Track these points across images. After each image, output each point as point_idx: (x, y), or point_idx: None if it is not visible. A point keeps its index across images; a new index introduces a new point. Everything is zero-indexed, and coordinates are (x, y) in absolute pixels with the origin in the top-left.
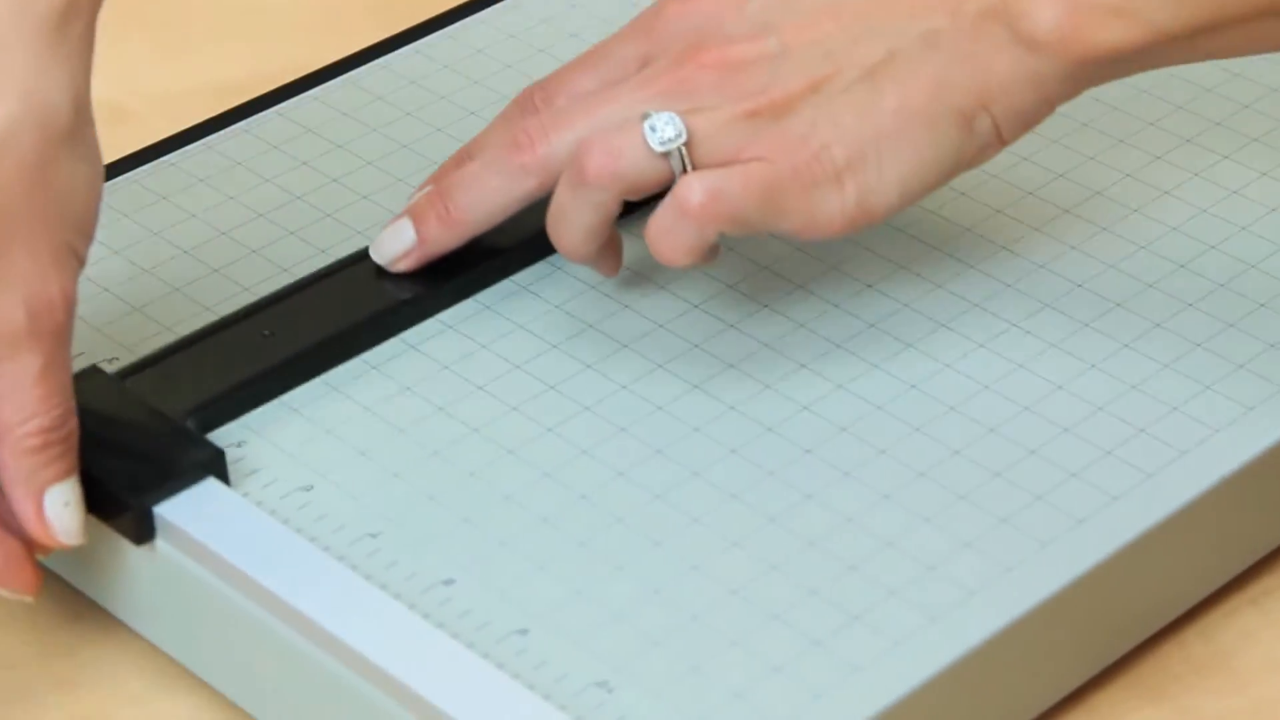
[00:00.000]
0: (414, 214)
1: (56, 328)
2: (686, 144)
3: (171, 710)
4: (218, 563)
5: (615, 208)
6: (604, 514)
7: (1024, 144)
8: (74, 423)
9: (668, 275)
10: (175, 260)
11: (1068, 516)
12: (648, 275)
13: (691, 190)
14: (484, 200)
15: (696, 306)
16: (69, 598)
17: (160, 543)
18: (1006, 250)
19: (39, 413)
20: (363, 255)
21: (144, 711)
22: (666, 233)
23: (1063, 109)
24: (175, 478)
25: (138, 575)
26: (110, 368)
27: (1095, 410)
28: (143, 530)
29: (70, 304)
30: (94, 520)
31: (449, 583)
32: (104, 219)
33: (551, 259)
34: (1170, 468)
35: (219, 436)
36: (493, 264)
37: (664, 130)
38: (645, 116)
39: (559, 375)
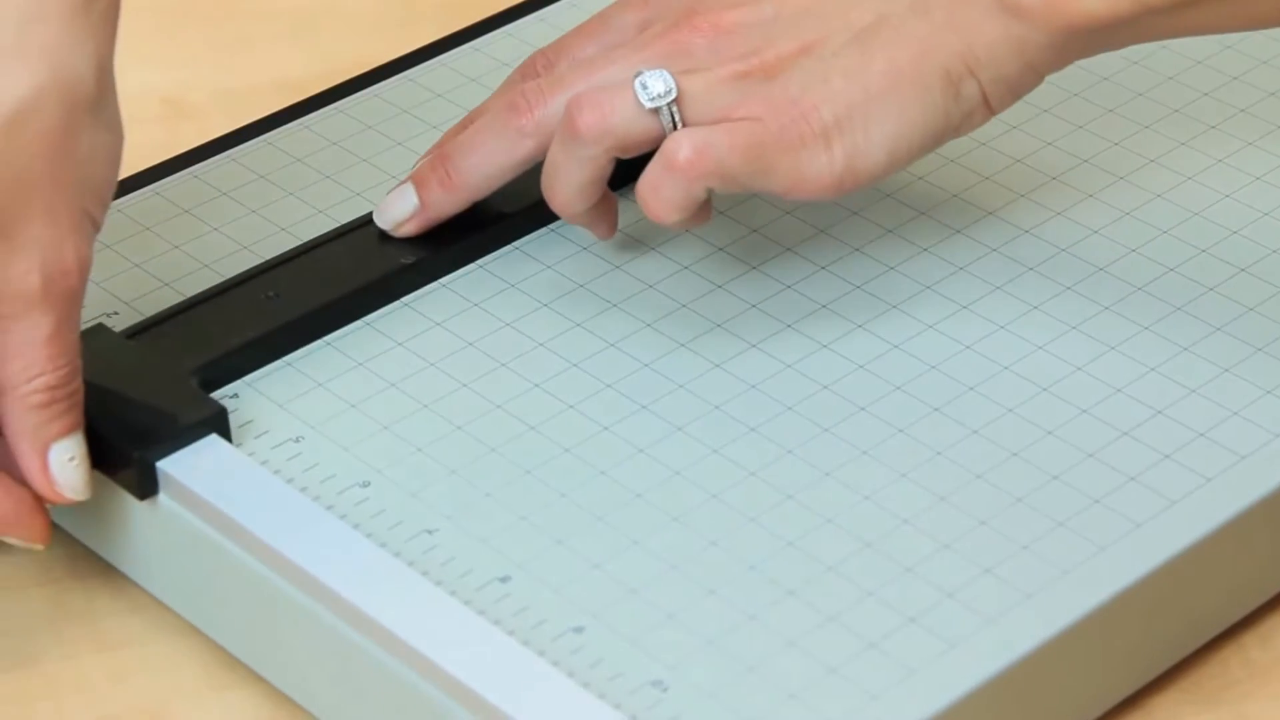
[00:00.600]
0: (416, 179)
1: (70, 291)
2: (676, 101)
3: (226, 704)
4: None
5: (607, 164)
6: (661, 512)
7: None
8: (79, 381)
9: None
10: (235, 256)
11: (1126, 520)
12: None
13: (679, 145)
14: (483, 163)
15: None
16: (128, 591)
17: (163, 497)
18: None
19: (46, 370)
20: (367, 220)
21: (198, 705)
22: (655, 188)
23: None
24: (178, 434)
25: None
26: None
27: (1154, 414)
28: (146, 485)
29: (84, 268)
30: (99, 475)
31: (505, 579)
32: (164, 214)
33: (553, 225)
34: (1229, 472)
35: (222, 395)
36: (497, 229)
37: (654, 86)
38: (637, 74)
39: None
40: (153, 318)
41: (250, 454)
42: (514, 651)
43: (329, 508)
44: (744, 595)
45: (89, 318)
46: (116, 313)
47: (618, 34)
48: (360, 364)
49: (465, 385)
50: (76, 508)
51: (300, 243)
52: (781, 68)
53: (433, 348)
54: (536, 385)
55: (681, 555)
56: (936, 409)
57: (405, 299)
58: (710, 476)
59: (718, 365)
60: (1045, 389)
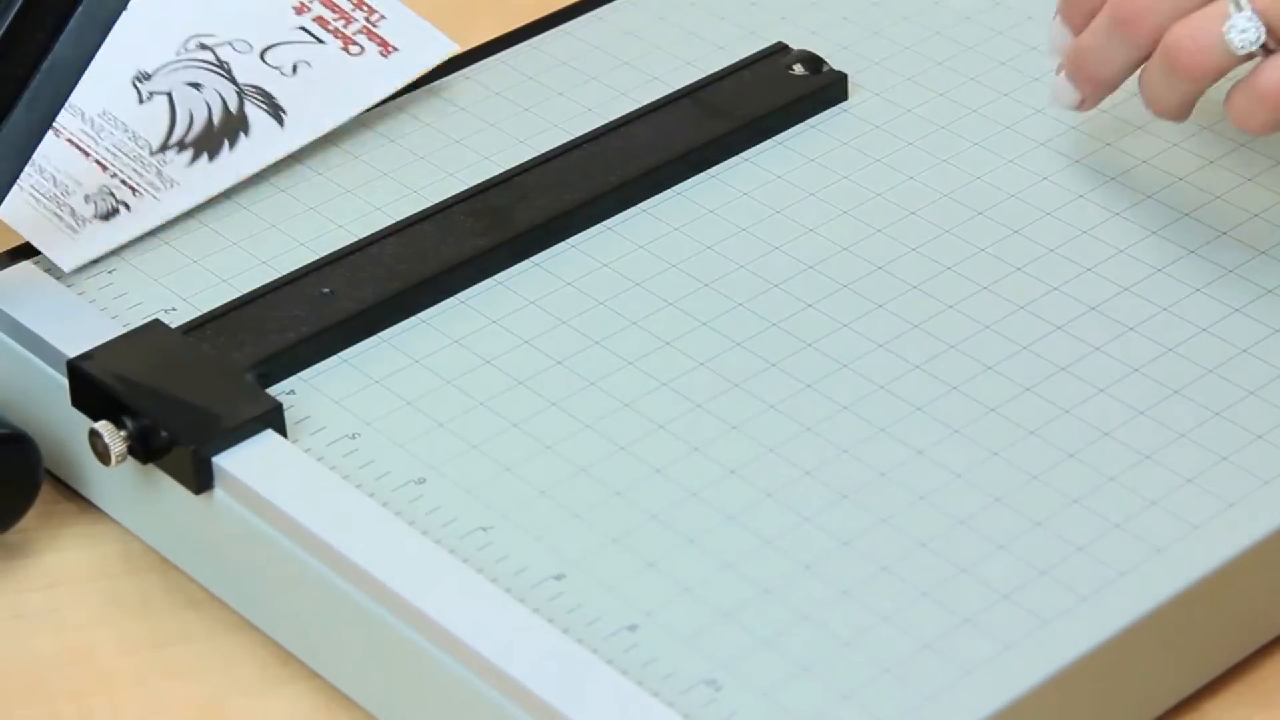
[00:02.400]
0: (1068, 77)
1: None
2: (1267, 40)
3: (283, 701)
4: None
5: (1204, 89)
6: (716, 511)
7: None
8: None
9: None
10: (292, 253)
11: (1183, 522)
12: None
13: (1272, 76)
14: (1112, 69)
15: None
16: (185, 586)
17: (218, 492)
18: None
19: None
20: (421, 217)
21: (255, 701)
22: (1238, 110)
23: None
24: (234, 429)
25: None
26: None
27: (1212, 415)
28: (201, 479)
29: None
30: (154, 469)
31: (559, 577)
32: (223, 211)
33: (609, 223)
34: None
35: (278, 391)
36: (551, 226)
37: (1245, 33)
38: (1226, 18)
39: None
40: (210, 313)
41: (306, 450)
42: (568, 649)
43: (384, 504)
44: (798, 594)
45: (146, 313)
46: (174, 309)
47: None
48: (416, 361)
49: (520, 383)
50: (132, 501)
51: (356, 239)
52: None
53: (488, 345)
54: (592, 383)
55: (736, 554)
56: (992, 409)
57: (460, 296)
58: (765, 475)
59: (773, 364)
60: (1102, 390)
